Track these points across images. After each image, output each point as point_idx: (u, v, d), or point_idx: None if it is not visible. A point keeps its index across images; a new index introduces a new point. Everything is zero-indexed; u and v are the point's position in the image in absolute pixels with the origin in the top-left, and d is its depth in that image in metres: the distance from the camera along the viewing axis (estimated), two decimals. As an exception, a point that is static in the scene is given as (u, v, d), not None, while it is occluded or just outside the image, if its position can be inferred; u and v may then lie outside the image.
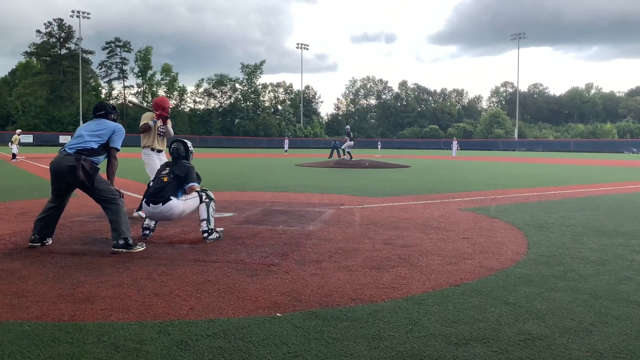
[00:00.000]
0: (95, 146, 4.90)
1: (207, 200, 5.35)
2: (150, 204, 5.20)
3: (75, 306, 3.17)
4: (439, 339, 2.74)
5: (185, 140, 5.72)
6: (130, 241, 4.72)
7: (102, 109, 5.24)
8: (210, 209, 5.32)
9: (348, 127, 30.77)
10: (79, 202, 8.57)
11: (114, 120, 5.23)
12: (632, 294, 3.61)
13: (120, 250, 4.64)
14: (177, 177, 5.27)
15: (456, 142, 48.10)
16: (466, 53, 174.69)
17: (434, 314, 3.12)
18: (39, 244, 4.83)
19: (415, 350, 2.58)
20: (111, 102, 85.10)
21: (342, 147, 27.77)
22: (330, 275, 3.97)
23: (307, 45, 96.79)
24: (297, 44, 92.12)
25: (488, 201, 9.31)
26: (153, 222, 5.43)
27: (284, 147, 53.31)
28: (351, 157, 25.09)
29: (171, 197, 5.15)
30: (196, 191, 5.34)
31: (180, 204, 5.22)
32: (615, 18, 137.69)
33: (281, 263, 4.34)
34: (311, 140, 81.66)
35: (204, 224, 5.29)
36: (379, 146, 66.49)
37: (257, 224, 6.33)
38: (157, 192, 5.19)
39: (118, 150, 5.08)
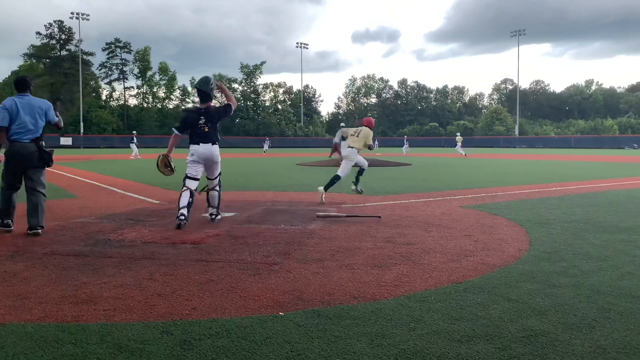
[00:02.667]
0: (40, 132, 5.78)
1: (219, 188, 6.64)
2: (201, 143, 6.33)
3: (78, 307, 3.17)
4: (441, 336, 2.74)
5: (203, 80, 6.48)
6: (41, 231, 5.65)
7: (28, 84, 5.86)
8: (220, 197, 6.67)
9: (342, 124, 27.52)
10: (81, 203, 8.58)
11: (31, 92, 5.89)
12: (634, 289, 3.60)
13: (39, 231, 5.60)
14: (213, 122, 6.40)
15: (406, 139, 48.32)
16: (468, 51, 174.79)
17: (437, 312, 3.12)
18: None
19: (418, 348, 2.58)
20: (112, 103, 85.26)
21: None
22: (333, 274, 3.97)
23: (307, 45, 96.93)
24: (297, 43, 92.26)
25: (489, 198, 9.30)
26: (187, 211, 6.10)
27: (263, 147, 47.19)
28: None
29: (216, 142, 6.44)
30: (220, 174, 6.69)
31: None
32: (620, 14, 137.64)
33: (283, 262, 4.35)
34: (312, 140, 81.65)
35: (214, 210, 6.55)
36: (376, 144, 66.06)
37: (259, 224, 6.34)
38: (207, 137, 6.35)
39: (58, 121, 6.02)
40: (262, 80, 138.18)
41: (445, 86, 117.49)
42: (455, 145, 40.25)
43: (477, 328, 2.85)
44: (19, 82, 5.81)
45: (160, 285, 3.66)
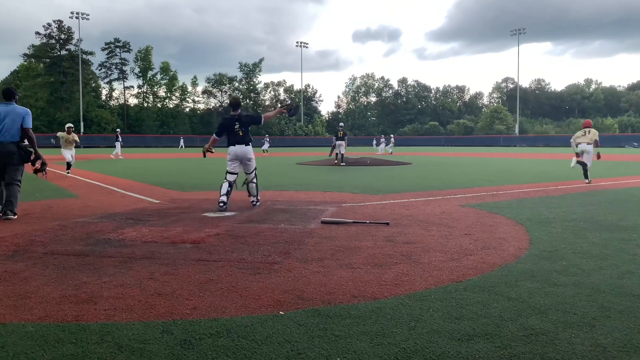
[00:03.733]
0: (18, 135, 6.75)
1: (256, 181, 7.95)
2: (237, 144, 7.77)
3: (79, 307, 3.18)
4: (442, 335, 2.74)
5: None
6: (15, 216, 6.63)
7: (14, 94, 6.93)
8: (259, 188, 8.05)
9: (341, 124, 25.15)
10: (81, 203, 8.59)
11: (16, 102, 6.95)
12: (634, 287, 3.60)
13: (10, 217, 6.55)
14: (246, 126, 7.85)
15: (384, 138, 48.03)
16: (468, 50, 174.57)
17: (437, 310, 3.13)
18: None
19: (419, 347, 2.58)
20: (111, 102, 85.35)
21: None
22: (333, 273, 3.97)
23: (307, 44, 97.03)
24: (297, 42, 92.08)
25: (489, 197, 9.30)
26: (226, 199, 7.41)
27: (262, 147, 43.28)
28: (336, 158, 22.05)
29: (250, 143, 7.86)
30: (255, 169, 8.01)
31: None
32: (621, 12, 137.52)
33: (283, 261, 4.35)
34: (312, 139, 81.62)
35: (254, 198, 7.95)
36: (374, 144, 65.23)
37: (259, 223, 6.34)
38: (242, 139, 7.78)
39: (30, 128, 6.88)
40: (262, 78, 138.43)
41: (448, 85, 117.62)
42: (388, 144, 41.98)
43: (477, 327, 2.85)
44: (6, 92, 6.89)
45: (161, 284, 3.66)
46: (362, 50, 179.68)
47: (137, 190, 10.74)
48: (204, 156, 8.65)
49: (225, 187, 7.55)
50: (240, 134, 7.75)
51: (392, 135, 52.15)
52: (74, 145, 16.84)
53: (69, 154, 16.42)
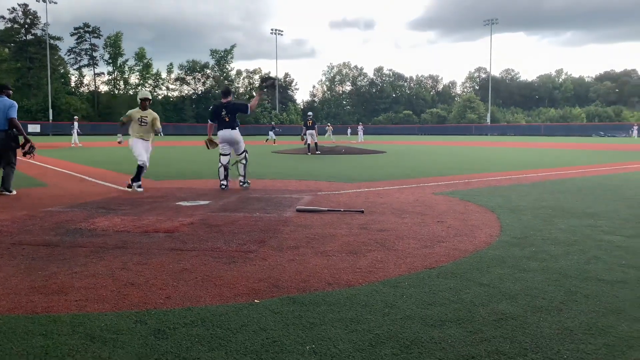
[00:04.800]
0: (7, 124, 7.85)
1: (245, 161, 8.88)
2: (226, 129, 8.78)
3: (49, 298, 3.11)
4: (415, 320, 2.79)
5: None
6: (12, 192, 7.94)
7: (3, 89, 8.01)
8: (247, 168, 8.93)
9: (310, 113, 24.73)
10: (50, 192, 8.39)
11: (9, 96, 8.01)
12: (600, 272, 3.72)
13: (8, 192, 7.84)
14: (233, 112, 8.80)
15: (362, 126, 48.52)
16: (444, 39, 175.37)
17: (410, 297, 3.17)
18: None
19: (392, 333, 2.62)
20: (82, 89, 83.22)
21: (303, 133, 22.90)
22: (308, 261, 3.99)
23: (282, 31, 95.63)
24: (272, 29, 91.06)
25: (462, 185, 9.45)
26: (226, 181, 8.63)
27: (270, 135, 39.41)
28: (309, 149, 21.84)
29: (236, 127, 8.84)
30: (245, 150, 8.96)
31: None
32: (593, 3, 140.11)
33: (258, 250, 4.34)
34: (287, 127, 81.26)
35: (242, 177, 8.80)
36: (349, 132, 64.71)
37: (234, 212, 6.30)
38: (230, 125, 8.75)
39: (15, 117, 7.88)
40: (236, 65, 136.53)
41: (422, 75, 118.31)
42: (325, 133, 43.06)
43: (449, 312, 2.91)
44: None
45: (134, 274, 3.62)
46: (340, 39, 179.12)
47: (109, 179, 10.54)
48: (208, 147, 9.31)
49: (222, 172, 8.68)
50: (227, 119, 8.66)
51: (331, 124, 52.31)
52: (153, 133, 8.93)
53: (143, 148, 8.70)
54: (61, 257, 4.08)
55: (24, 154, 8.20)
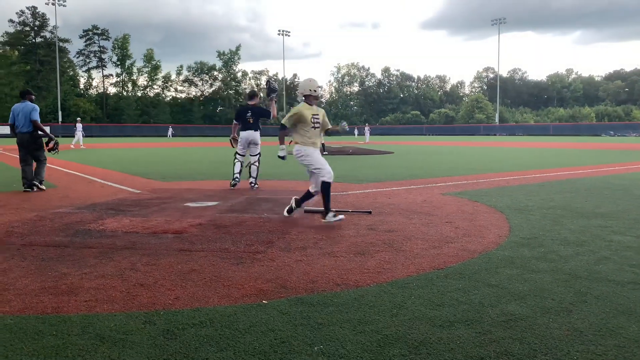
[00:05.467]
0: (31, 126, 8.74)
1: (257, 164, 9.10)
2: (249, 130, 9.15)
3: (59, 298, 3.14)
4: (423, 321, 2.78)
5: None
6: (43, 185, 8.84)
7: (25, 94, 8.92)
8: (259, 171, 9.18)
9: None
10: (60, 193, 8.45)
11: (31, 101, 8.89)
12: (610, 273, 3.69)
13: (38, 187, 8.70)
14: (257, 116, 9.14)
15: (368, 127, 48.66)
16: (452, 39, 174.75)
17: (419, 298, 3.16)
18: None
19: (401, 334, 2.62)
20: (90, 91, 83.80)
21: None
22: (316, 262, 3.99)
23: (289, 32, 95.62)
24: (279, 30, 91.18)
25: (470, 185, 9.41)
26: (239, 175, 9.03)
27: (364, 135, 40.06)
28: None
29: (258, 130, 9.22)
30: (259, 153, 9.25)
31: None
32: (602, 3, 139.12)
33: (266, 250, 4.35)
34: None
35: (253, 179, 8.99)
36: (357, 132, 64.48)
37: (242, 212, 6.32)
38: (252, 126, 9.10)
39: (37, 120, 8.77)
40: (243, 67, 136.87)
41: (428, 76, 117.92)
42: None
43: (458, 313, 2.90)
44: (20, 93, 9.01)
45: (143, 275, 3.64)
46: (347, 40, 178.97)
47: (117, 180, 10.60)
48: (232, 146, 9.63)
49: (237, 166, 9.11)
50: (251, 121, 9.07)
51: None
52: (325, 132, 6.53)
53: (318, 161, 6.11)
54: (71, 258, 4.11)
55: (49, 150, 9.19)
